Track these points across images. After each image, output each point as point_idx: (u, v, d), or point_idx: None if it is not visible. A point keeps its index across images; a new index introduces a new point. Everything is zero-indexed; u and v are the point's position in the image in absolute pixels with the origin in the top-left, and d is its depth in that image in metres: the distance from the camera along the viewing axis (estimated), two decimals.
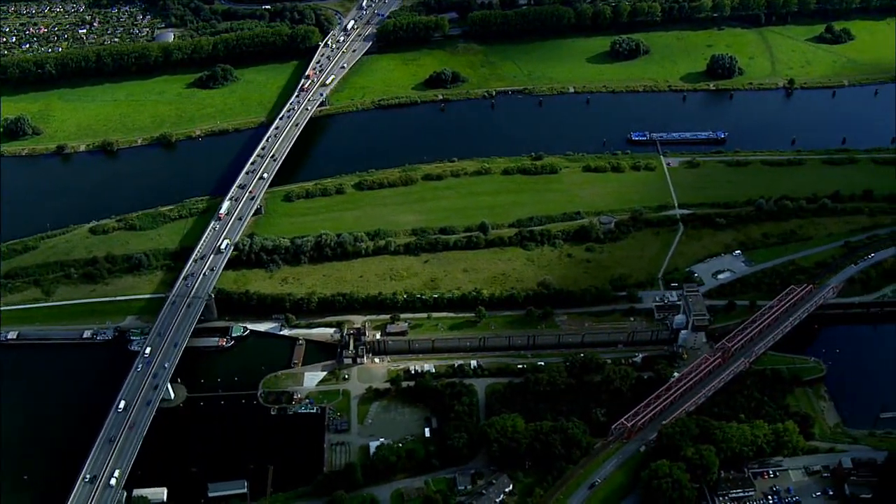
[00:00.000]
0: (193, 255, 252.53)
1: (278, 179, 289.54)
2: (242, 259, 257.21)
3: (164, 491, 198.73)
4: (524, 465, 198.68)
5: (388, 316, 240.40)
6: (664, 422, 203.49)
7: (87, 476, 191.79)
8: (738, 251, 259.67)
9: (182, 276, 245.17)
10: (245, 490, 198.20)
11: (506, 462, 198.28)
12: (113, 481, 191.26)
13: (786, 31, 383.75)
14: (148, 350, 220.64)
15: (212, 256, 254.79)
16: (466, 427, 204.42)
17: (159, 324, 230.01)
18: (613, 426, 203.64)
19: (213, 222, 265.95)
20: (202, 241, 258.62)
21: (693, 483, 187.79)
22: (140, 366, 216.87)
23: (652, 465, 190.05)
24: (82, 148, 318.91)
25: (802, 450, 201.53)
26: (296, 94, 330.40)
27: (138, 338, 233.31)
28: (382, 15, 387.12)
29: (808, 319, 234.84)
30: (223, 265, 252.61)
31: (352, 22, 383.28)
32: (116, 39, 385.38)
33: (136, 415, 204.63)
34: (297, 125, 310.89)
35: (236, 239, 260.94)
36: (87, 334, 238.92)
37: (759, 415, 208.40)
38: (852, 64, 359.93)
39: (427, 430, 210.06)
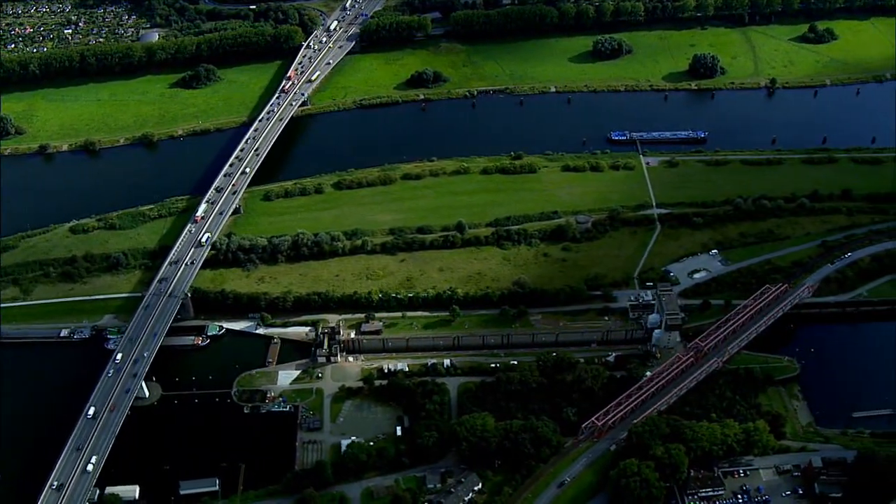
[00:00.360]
0: (169, 258, 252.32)
1: (258, 179, 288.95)
2: (220, 258, 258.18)
3: (137, 489, 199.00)
4: (494, 463, 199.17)
5: (363, 315, 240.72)
6: (635, 421, 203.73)
7: (55, 483, 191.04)
8: (715, 250, 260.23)
9: (157, 279, 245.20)
10: (216, 488, 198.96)
11: (475, 461, 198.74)
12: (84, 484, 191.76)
13: (769, 31, 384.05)
14: (119, 356, 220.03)
15: (191, 250, 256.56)
16: (437, 426, 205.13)
17: (132, 328, 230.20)
18: (584, 425, 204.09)
19: (189, 225, 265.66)
20: (178, 245, 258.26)
21: (662, 482, 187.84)
22: (111, 371, 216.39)
23: (621, 464, 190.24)
24: (65, 148, 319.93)
25: (773, 449, 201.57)
26: (276, 95, 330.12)
27: (115, 336, 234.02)
28: (366, 15, 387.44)
29: (784, 319, 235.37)
30: (201, 262, 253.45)
31: (335, 22, 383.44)
32: (101, 39, 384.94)
33: (106, 421, 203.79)
34: (275, 128, 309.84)
35: (215, 237, 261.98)
36: (64, 333, 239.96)
37: (731, 414, 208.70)
38: (835, 63, 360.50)
39: (399, 428, 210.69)
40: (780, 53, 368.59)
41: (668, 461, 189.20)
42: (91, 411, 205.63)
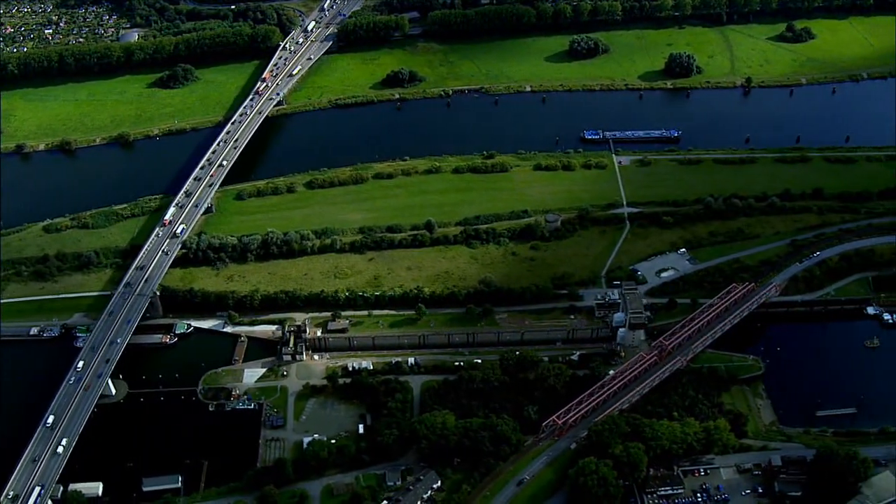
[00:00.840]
0: (136, 263, 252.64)
1: (231, 178, 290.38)
2: (190, 257, 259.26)
3: (100, 486, 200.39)
4: (453, 461, 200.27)
5: (329, 313, 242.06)
6: (596, 419, 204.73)
7: (10, 493, 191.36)
8: (684, 249, 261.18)
9: (126, 278, 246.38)
10: (179, 485, 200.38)
11: (435, 459, 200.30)
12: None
13: (747, 30, 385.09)
14: (80, 364, 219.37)
15: (167, 241, 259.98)
16: (398, 424, 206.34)
17: (99, 327, 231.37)
18: (544, 424, 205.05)
19: (157, 228, 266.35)
20: (147, 244, 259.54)
21: (621, 480, 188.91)
22: (72, 378, 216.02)
23: (579, 462, 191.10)
24: (41, 147, 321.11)
25: (734, 448, 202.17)
26: (250, 97, 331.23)
27: (84, 335, 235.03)
28: (344, 15, 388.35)
29: (751, 318, 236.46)
30: (174, 255, 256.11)
31: (312, 23, 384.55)
32: (81, 40, 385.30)
33: (65, 430, 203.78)
34: (247, 130, 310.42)
35: (186, 235, 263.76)
36: (34, 331, 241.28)
37: (693, 413, 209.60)
38: (812, 63, 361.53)
39: (361, 426, 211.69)
40: (757, 53, 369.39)
41: (627, 460, 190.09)
42: (50, 420, 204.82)
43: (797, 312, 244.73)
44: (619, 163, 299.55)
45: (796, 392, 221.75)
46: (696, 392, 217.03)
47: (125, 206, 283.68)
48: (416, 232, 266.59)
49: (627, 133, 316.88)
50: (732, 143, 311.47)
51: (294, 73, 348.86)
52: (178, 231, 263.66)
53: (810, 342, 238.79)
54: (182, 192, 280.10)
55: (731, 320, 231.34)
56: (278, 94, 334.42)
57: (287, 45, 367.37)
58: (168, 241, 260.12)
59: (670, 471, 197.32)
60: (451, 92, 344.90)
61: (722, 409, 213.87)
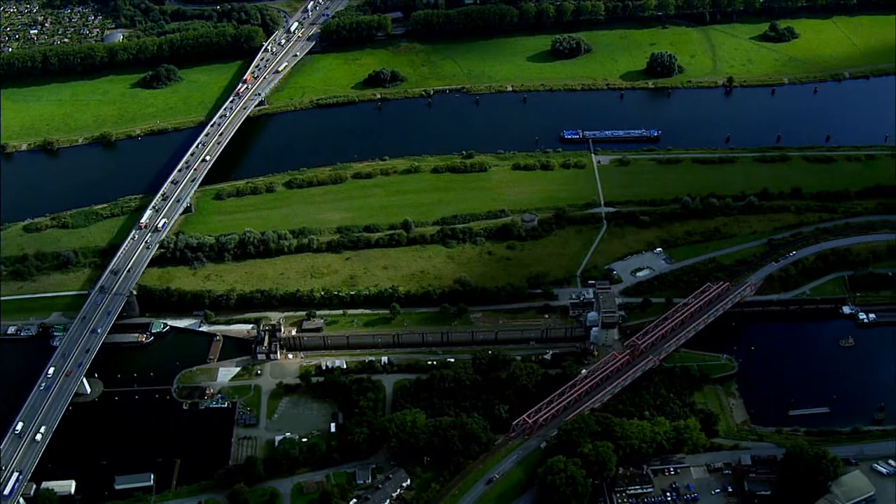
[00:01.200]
0: (111, 266, 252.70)
1: (211, 178, 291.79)
2: (168, 256, 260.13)
3: (73, 484, 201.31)
4: (423, 460, 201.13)
5: (305, 312, 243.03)
6: (566, 418, 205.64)
7: None
8: (660, 249, 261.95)
9: (103, 277, 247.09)
10: (151, 483, 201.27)
11: (405, 457, 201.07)
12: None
13: (730, 30, 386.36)
14: (51, 370, 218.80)
15: (148, 235, 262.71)
16: (369, 422, 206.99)
17: (74, 327, 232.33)
18: (515, 423, 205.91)
19: (133, 231, 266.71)
20: (122, 250, 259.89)
21: (590, 479, 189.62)
22: (43, 384, 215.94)
23: (548, 461, 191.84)
24: (24, 147, 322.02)
25: (705, 447, 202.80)
26: (230, 99, 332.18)
27: (60, 334, 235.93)
28: (328, 15, 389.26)
29: (726, 317, 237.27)
30: (154, 251, 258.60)
31: (296, 23, 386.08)
32: (66, 40, 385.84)
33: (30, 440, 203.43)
34: (226, 132, 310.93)
35: (165, 233, 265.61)
36: (11, 330, 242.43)
37: (664, 412, 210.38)
38: (794, 62, 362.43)
39: (333, 425, 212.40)
40: (740, 52, 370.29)
41: (596, 459, 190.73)
42: (18, 427, 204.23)
43: (772, 312, 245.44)
44: (598, 162, 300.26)
45: (769, 391, 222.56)
46: (667, 391, 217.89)
47: (105, 205, 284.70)
48: (393, 231, 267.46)
49: (607, 133, 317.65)
50: (713, 143, 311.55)
51: (280, 69, 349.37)
52: (160, 225, 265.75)
53: (785, 341, 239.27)
54: (159, 194, 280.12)
55: (705, 320, 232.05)
56: (260, 95, 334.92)
57: (269, 47, 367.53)
58: (150, 235, 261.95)
59: (640, 470, 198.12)
60: (432, 92, 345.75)
61: (693, 408, 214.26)
